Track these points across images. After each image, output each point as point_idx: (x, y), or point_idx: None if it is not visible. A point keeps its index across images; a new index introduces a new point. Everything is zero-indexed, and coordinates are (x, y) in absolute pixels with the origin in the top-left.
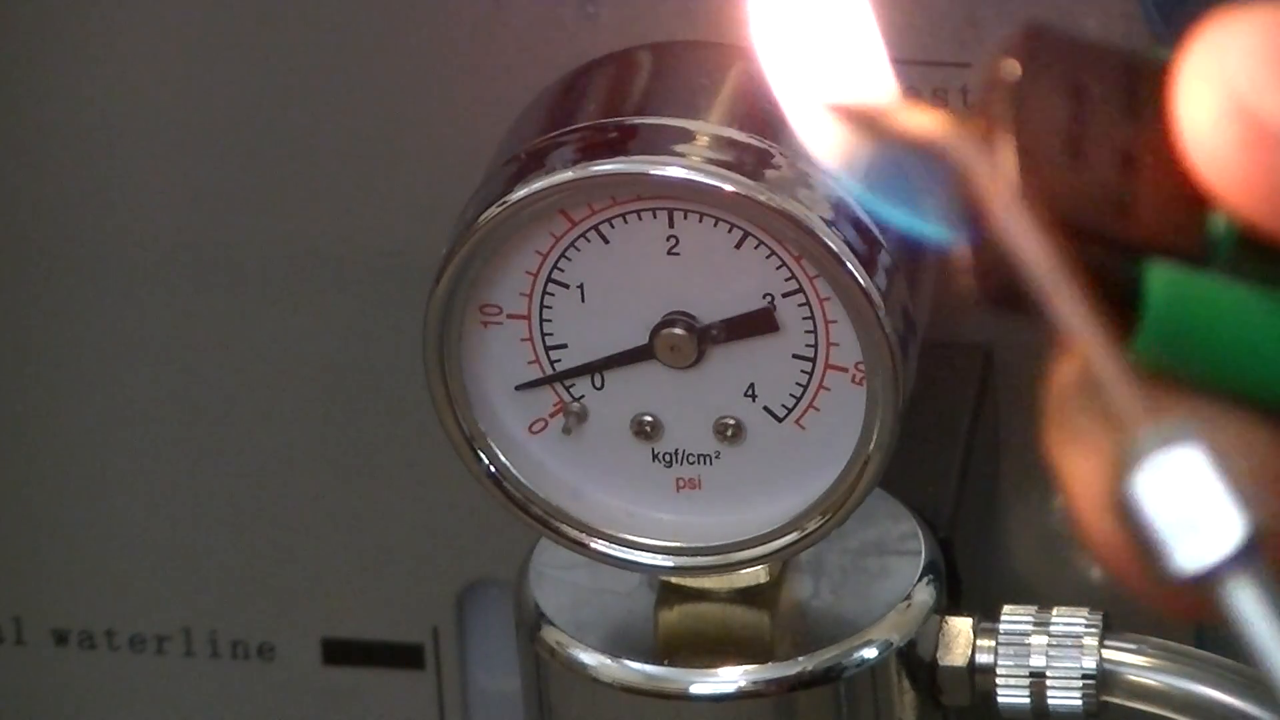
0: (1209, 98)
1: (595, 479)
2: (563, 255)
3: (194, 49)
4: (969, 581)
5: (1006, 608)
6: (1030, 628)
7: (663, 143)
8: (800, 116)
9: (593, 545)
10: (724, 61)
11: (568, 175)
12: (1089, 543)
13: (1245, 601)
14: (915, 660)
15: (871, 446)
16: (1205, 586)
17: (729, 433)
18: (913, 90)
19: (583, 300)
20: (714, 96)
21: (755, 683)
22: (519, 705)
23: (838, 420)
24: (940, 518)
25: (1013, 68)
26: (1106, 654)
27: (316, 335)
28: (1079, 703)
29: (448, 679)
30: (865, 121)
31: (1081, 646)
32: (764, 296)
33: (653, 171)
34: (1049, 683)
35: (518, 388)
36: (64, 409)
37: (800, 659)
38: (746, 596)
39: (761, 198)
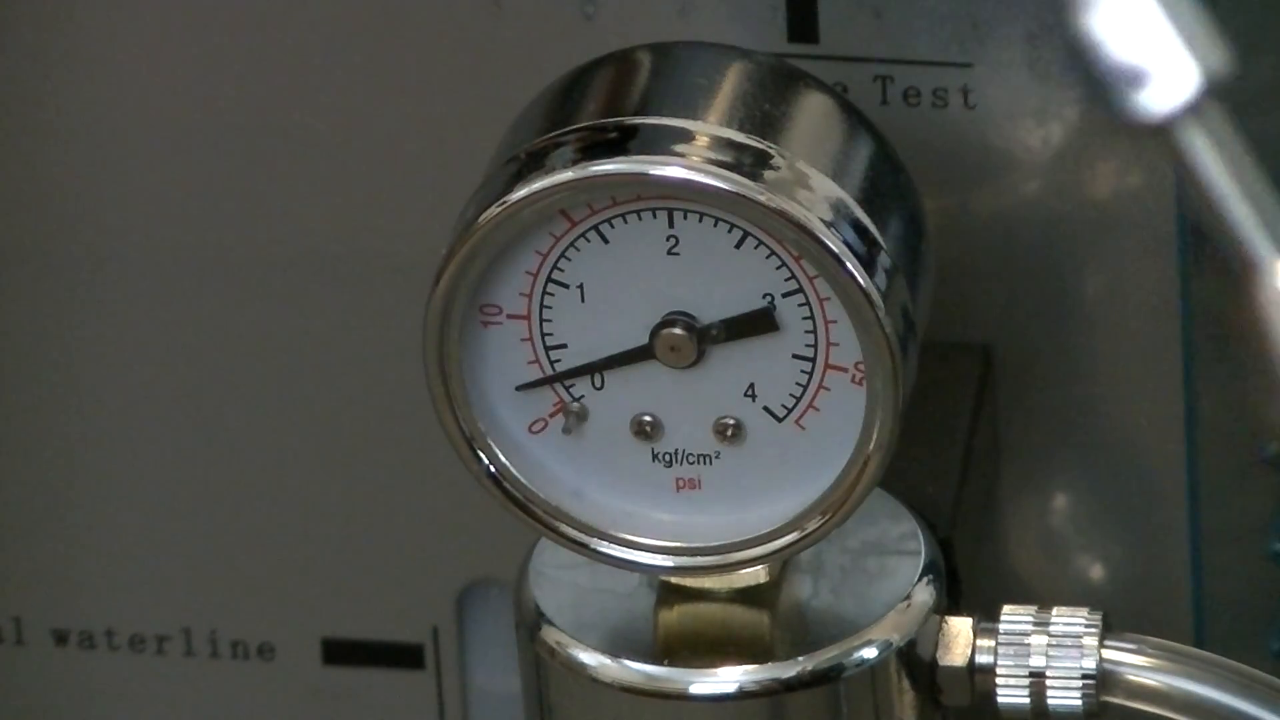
0: None
1: (595, 479)
2: (563, 255)
3: (194, 49)
4: (969, 581)
5: (1006, 608)
6: (1030, 628)
7: (663, 143)
8: None
9: (593, 545)
10: (724, 61)
11: (568, 175)
12: None
13: (1202, 147)
14: (915, 660)
15: (871, 446)
16: (1163, 132)
17: (729, 433)
18: (913, 90)
19: (583, 300)
20: (714, 96)
21: (755, 683)
22: (519, 705)
23: (838, 420)
24: (940, 518)
25: None
26: (1106, 654)
27: (316, 335)
28: (1079, 703)
29: (448, 679)
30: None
31: (1081, 646)
32: (764, 296)
33: (653, 171)
34: (1049, 683)
35: (518, 388)
36: (64, 409)
37: (800, 659)
38: (746, 596)
39: (761, 198)
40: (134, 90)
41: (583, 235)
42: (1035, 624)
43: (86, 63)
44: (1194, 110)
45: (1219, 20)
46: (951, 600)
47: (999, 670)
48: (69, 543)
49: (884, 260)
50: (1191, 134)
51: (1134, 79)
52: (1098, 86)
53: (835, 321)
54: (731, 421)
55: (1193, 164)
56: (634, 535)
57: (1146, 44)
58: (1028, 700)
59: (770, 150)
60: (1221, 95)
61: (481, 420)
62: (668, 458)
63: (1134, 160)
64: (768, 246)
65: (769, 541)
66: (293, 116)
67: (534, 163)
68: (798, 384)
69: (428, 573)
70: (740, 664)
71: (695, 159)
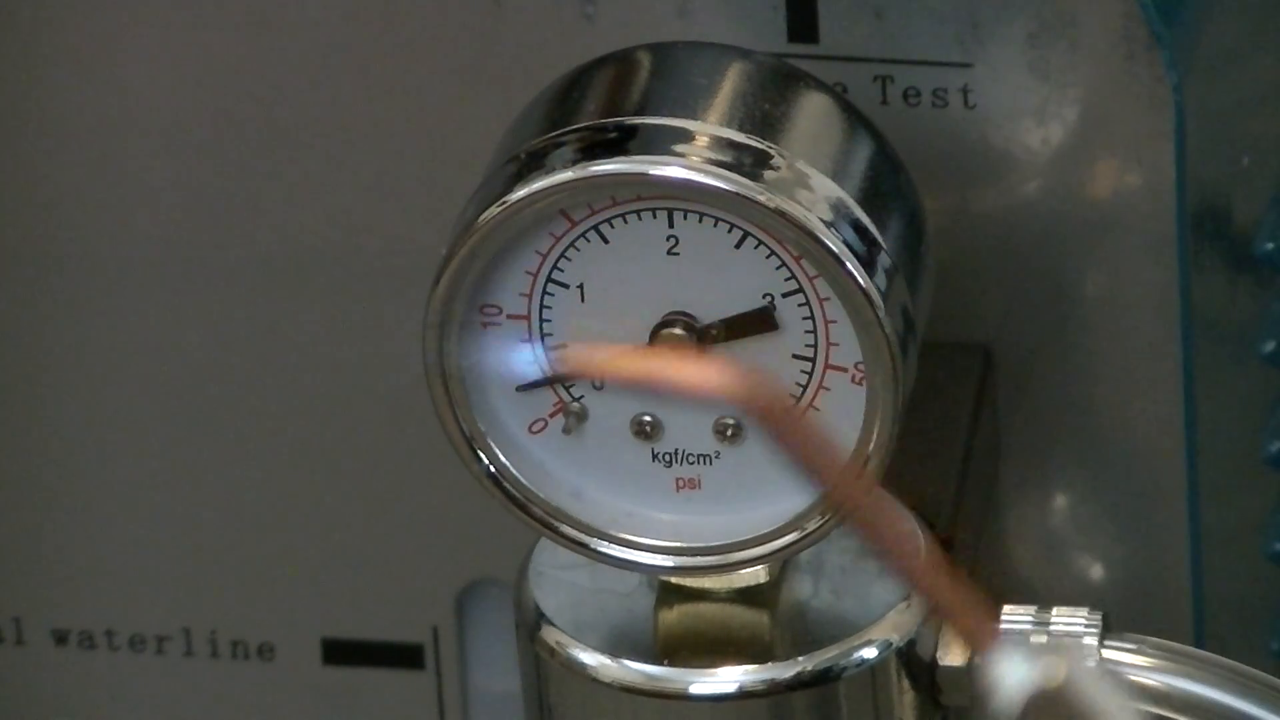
0: None
1: (595, 479)
2: (563, 255)
3: (193, 48)
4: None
5: (1006, 608)
6: (1030, 628)
7: (663, 143)
8: None
9: (593, 545)
10: (724, 61)
11: (568, 175)
12: None
13: None
14: (915, 660)
15: (871, 446)
16: None
17: (729, 433)
18: (913, 90)
19: (583, 300)
20: (714, 96)
21: (755, 683)
22: (519, 705)
23: (838, 420)
24: (940, 518)
25: None
26: (1106, 654)
27: (316, 335)
28: None
29: (448, 679)
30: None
31: (1081, 646)
32: (764, 296)
33: (653, 171)
34: None
35: (518, 388)
36: (63, 408)
37: (800, 659)
38: (746, 596)
39: (761, 198)
40: (134, 90)
41: (583, 235)
42: (1035, 624)
43: (86, 63)
44: None
45: (1219, 20)
46: None
47: None
48: (69, 543)
49: (884, 260)
50: None
51: None
52: None
53: (835, 321)
54: (731, 421)
55: None
56: (634, 535)
57: None
58: None
59: (770, 150)
60: (1221, 94)
61: (481, 420)
62: (668, 458)
63: (1134, 160)
64: (768, 246)
65: (769, 541)
66: (292, 116)
67: (534, 163)
68: (798, 384)
69: (428, 573)
70: (740, 664)
71: (695, 159)
